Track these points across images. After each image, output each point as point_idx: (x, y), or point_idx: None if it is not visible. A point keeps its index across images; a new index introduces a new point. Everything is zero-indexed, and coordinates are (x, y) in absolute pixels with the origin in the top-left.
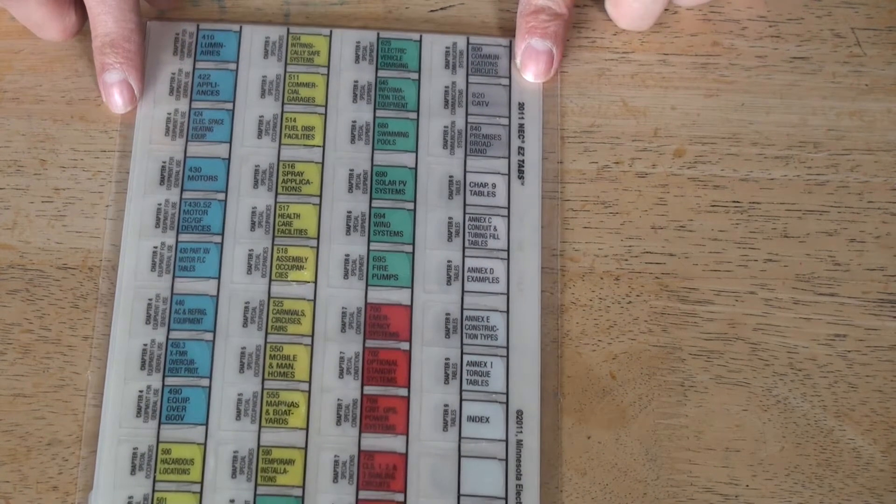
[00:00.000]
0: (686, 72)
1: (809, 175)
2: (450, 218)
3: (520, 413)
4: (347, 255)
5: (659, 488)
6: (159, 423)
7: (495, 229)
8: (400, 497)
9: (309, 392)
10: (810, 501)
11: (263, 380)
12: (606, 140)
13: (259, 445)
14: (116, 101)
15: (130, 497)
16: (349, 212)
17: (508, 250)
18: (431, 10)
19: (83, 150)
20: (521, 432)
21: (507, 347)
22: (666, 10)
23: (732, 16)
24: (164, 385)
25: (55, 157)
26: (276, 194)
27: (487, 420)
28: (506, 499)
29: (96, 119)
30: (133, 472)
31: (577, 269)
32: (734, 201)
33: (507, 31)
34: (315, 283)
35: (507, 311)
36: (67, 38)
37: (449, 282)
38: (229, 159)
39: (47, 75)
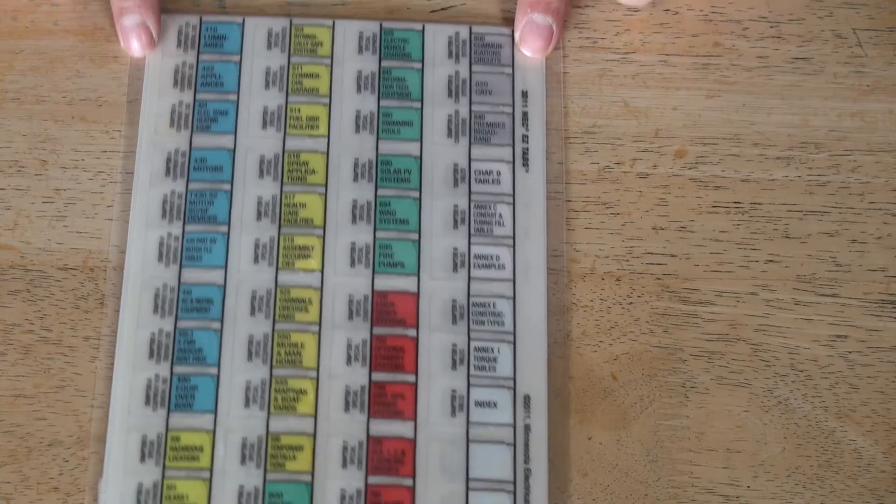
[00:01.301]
0: (687, 72)
1: (811, 176)
2: (455, 206)
3: (527, 398)
4: (354, 244)
5: (660, 489)
6: (168, 411)
7: (501, 216)
8: (409, 482)
9: (317, 379)
10: (811, 502)
11: (271, 367)
12: (608, 141)
13: (268, 432)
14: (134, 45)
15: (140, 484)
16: (355, 200)
17: (514, 237)
18: (433, 11)
19: (84, 151)
20: (529, 417)
21: (514, 333)
22: (667, 10)
23: (734, 16)
24: (172, 373)
25: (56, 157)
26: (282, 184)
27: (495, 405)
28: (514, 482)
29: (97, 119)
30: (143, 459)
31: (579, 269)
32: (735, 202)
33: (510, 21)
34: (322, 271)
35: (514, 298)
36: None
37: (455, 269)
38: (234, 150)
39: (48, 76)
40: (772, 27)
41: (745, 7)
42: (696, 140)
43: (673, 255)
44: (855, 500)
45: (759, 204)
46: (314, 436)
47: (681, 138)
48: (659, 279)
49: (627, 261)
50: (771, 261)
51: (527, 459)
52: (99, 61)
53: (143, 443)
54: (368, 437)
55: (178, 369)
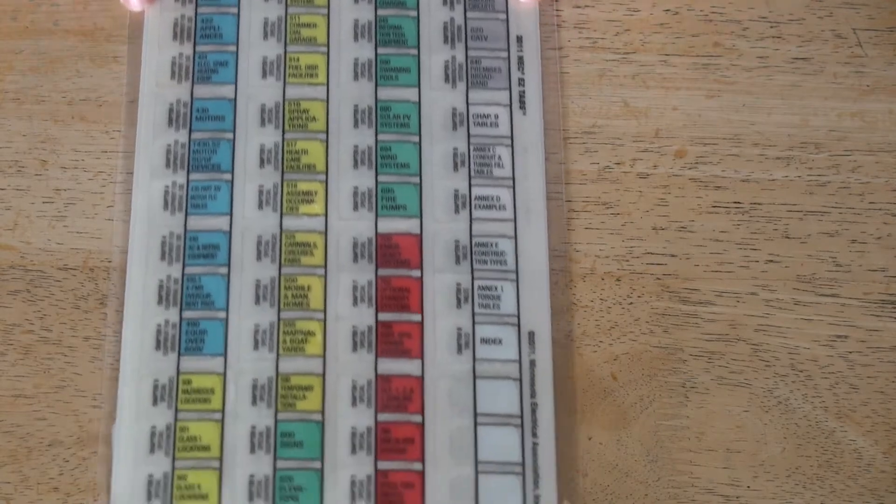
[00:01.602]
0: (687, 72)
1: (811, 176)
2: (455, 149)
3: (532, 334)
4: (356, 188)
5: (660, 489)
6: (179, 355)
7: (500, 158)
8: (418, 418)
9: (324, 320)
10: (811, 503)
11: (279, 310)
12: (607, 141)
13: (278, 373)
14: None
15: (154, 426)
16: (356, 146)
17: (514, 178)
18: None
19: (84, 151)
20: (534, 353)
21: (517, 272)
22: (667, 10)
23: (734, 16)
24: (181, 318)
25: (56, 157)
26: (284, 132)
27: (500, 342)
28: (521, 416)
29: (97, 119)
30: (155, 402)
31: (579, 269)
32: (735, 202)
33: None
34: (326, 215)
35: (515, 237)
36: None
37: (457, 210)
38: (235, 100)
39: (48, 76)
40: (772, 27)
41: (745, 7)
42: (696, 140)
43: (673, 255)
44: (855, 500)
45: (759, 204)
46: (323, 376)
47: (681, 138)
48: (659, 279)
49: (627, 261)
50: (771, 261)
51: (533, 394)
52: (99, 61)
53: (155, 386)
54: (377, 375)
55: (187, 314)
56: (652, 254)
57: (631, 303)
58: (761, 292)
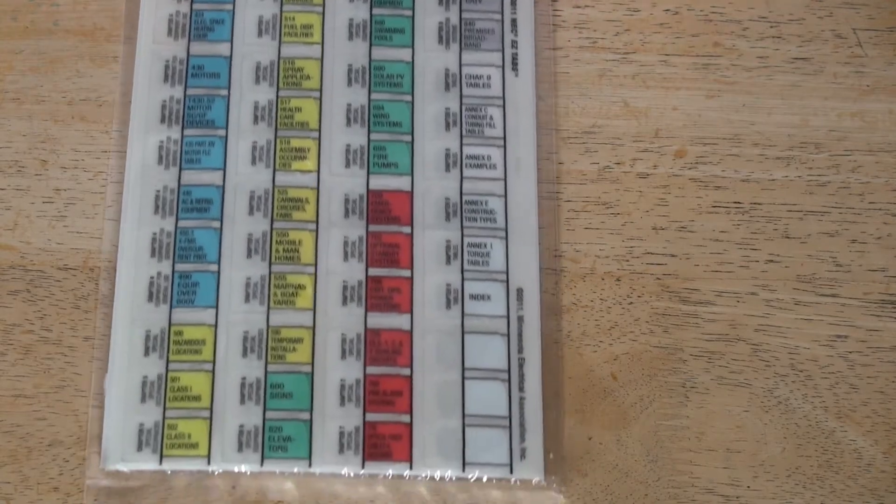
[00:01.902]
0: (687, 72)
1: (811, 176)
2: (447, 108)
3: (520, 291)
4: (349, 145)
5: (660, 489)
6: (171, 307)
7: (491, 118)
8: (406, 371)
9: (315, 275)
10: (811, 503)
11: (270, 264)
12: (607, 141)
13: (268, 326)
14: None
15: (145, 377)
16: (349, 104)
17: (505, 138)
18: None
19: (84, 151)
20: (522, 309)
21: (506, 229)
22: (667, 10)
23: (734, 16)
24: (174, 271)
25: (56, 157)
26: (278, 89)
27: (489, 298)
28: (509, 371)
29: (97, 120)
30: (147, 353)
31: (579, 269)
32: (735, 202)
33: None
34: (318, 172)
35: (505, 196)
36: None
37: (447, 168)
38: (231, 57)
39: (48, 76)
40: (772, 27)
41: (745, 7)
42: (696, 140)
43: (673, 256)
44: (855, 500)
45: (759, 204)
46: (313, 329)
47: (681, 138)
48: (659, 279)
49: (627, 261)
50: (771, 261)
51: (520, 349)
52: (99, 61)
53: (147, 337)
54: (366, 329)
55: (180, 266)
56: (652, 254)
57: (631, 303)
58: (761, 292)
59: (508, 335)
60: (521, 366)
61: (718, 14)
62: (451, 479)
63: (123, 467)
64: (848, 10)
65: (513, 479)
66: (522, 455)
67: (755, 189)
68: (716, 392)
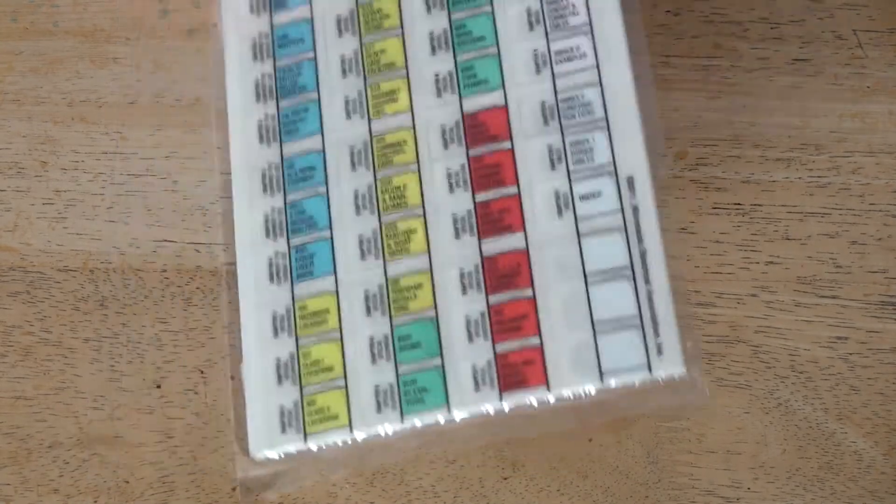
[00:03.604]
0: (688, 73)
1: (811, 177)
2: (528, 8)
3: (630, 179)
4: (437, 74)
5: (660, 491)
6: (292, 284)
7: (574, 6)
8: (529, 292)
9: (424, 215)
10: None
11: (380, 216)
12: None
13: (387, 279)
14: None
15: (278, 359)
16: (431, 31)
17: (591, 24)
18: None
19: (84, 152)
20: (635, 198)
21: (606, 119)
22: (667, 10)
23: (734, 17)
24: (289, 246)
25: (56, 158)
26: (361, 36)
27: (600, 194)
28: (632, 266)
29: (97, 121)
30: (276, 334)
31: None
32: (736, 203)
33: None
34: (412, 109)
35: (600, 83)
36: None
37: (538, 70)
38: (312, 18)
39: (48, 77)
40: (772, 28)
41: (745, 8)
42: (696, 141)
43: (673, 257)
44: (855, 502)
45: (760, 205)
46: (430, 271)
47: (681, 140)
48: None
49: None
50: (771, 262)
51: (640, 240)
52: (99, 62)
53: (274, 318)
54: (482, 258)
55: (295, 241)
56: None
57: None
58: (761, 294)
59: (625, 228)
60: (643, 257)
61: (719, 15)
62: (588, 394)
63: (272, 453)
64: (848, 12)
65: (653, 377)
66: (659, 350)
67: (755, 190)
68: (716, 393)
